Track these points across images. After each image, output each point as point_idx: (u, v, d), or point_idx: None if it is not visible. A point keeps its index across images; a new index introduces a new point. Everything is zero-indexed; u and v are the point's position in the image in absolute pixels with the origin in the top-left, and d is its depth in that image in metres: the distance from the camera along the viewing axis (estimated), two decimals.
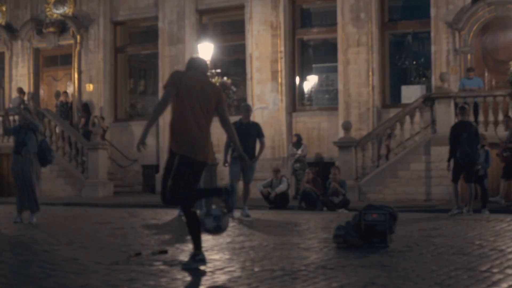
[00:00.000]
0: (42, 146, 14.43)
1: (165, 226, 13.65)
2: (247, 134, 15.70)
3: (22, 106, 23.29)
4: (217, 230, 7.91)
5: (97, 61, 28.80)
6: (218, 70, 23.24)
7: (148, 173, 27.48)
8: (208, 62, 22.46)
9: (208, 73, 22.04)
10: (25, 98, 28.14)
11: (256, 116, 24.40)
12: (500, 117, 21.07)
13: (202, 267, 7.90)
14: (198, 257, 7.98)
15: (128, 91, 29.74)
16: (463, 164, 16.43)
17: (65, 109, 28.78)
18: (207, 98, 8.12)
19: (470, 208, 16.44)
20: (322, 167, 23.81)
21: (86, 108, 28.29)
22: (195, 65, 8.41)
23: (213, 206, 8.12)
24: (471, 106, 21.42)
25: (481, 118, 21.17)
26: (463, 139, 16.39)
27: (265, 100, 25.53)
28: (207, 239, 10.51)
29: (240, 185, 16.49)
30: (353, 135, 23.03)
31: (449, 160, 16.65)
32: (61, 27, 29.49)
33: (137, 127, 27.45)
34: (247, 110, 16.27)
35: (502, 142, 19.91)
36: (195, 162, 7.98)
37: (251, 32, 25.94)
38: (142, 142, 7.93)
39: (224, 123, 8.31)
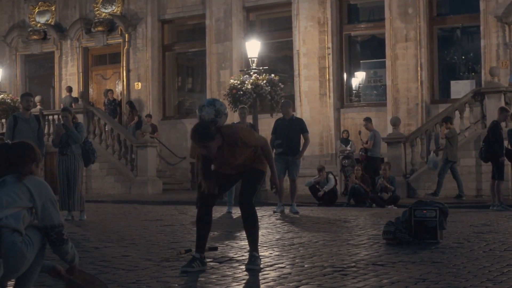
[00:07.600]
0: (86, 147, 14.39)
1: (214, 223, 13.62)
2: (290, 130, 15.75)
3: (72, 105, 23.51)
4: None
5: (145, 59, 29.00)
6: (266, 67, 23.23)
7: (197, 171, 27.53)
8: (255, 59, 22.54)
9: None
10: (73, 95, 28.43)
11: (304, 113, 24.37)
12: None
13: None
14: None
15: (176, 89, 29.90)
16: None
17: (113, 107, 29.02)
18: None
19: (494, 203, 16.69)
20: (370, 163, 23.68)
21: (131, 105, 28.45)
22: None
23: None
24: None
25: None
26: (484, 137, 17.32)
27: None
28: None
29: (288, 181, 16.49)
30: (401, 131, 22.90)
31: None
32: (110, 26, 29.75)
33: (185, 125, 27.57)
34: (288, 106, 16.35)
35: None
36: None
37: (298, 28, 25.89)
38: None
39: None
